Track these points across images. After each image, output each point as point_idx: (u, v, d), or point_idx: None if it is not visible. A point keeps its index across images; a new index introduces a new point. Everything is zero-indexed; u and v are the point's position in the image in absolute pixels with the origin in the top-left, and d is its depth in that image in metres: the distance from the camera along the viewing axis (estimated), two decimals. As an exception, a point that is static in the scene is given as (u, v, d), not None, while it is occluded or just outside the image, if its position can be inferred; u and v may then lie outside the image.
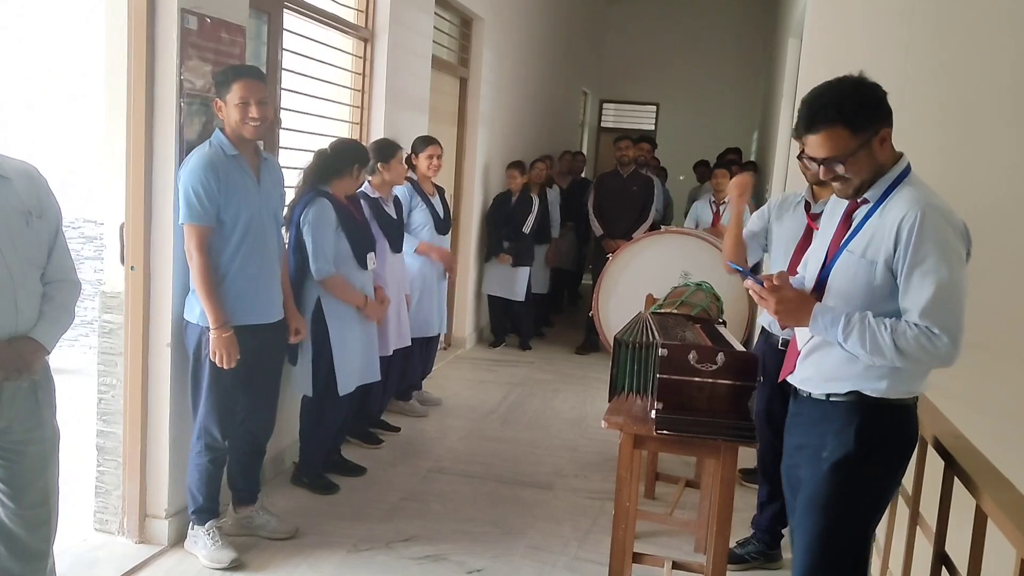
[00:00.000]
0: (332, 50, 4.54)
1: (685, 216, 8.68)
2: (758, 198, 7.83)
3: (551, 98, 9.40)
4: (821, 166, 2.11)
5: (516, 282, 6.80)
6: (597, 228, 7.00)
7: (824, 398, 2.20)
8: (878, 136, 2.07)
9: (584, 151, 11.90)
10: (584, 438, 4.94)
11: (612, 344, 4.44)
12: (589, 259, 8.21)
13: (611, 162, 12.37)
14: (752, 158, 10.76)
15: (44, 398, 2.34)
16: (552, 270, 7.91)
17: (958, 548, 2.24)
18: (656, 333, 2.69)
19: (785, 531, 3.46)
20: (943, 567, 2.28)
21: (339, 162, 3.74)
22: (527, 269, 6.89)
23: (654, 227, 7.20)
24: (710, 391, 2.52)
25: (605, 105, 13.29)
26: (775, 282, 2.16)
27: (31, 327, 2.23)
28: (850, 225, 2.21)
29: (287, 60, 3.98)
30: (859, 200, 2.18)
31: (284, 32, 3.93)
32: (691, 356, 2.53)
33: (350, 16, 4.65)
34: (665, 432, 2.54)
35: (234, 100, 2.99)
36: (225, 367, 3.04)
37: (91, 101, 3.15)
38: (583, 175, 9.22)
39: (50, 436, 2.37)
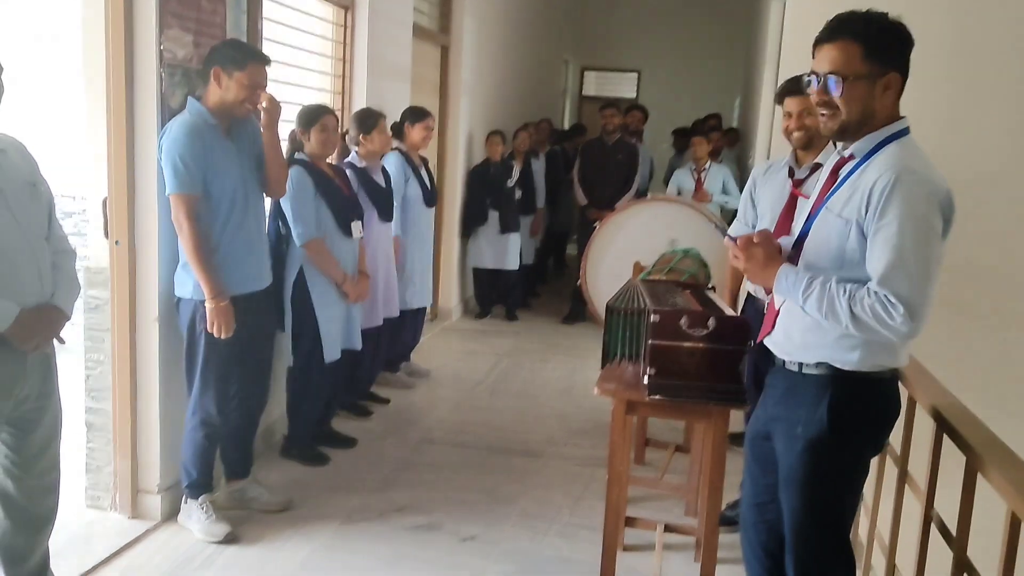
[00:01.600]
0: (312, 19, 4.47)
1: (665, 184, 8.70)
2: (742, 165, 7.84)
3: (533, 66, 9.33)
4: (818, 84, 2.03)
5: (508, 251, 6.77)
6: (581, 197, 6.99)
7: (796, 369, 2.14)
8: (885, 78, 1.99)
9: (567, 119, 11.86)
10: (573, 406, 4.96)
11: (604, 312, 4.48)
12: (576, 227, 8.19)
13: (595, 130, 12.42)
14: (734, 124, 10.75)
15: (54, 366, 2.41)
16: (546, 234, 7.88)
17: (944, 508, 2.28)
18: (647, 299, 2.69)
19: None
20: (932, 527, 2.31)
21: (298, 128, 3.74)
22: (518, 237, 6.87)
23: (639, 195, 7.21)
24: (701, 356, 2.53)
25: (586, 73, 13.20)
26: (754, 240, 2.15)
27: (51, 294, 2.31)
28: (834, 182, 2.14)
29: (267, 29, 3.91)
30: (847, 155, 2.12)
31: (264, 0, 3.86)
32: (683, 321, 2.53)
33: (330, -17, 4.58)
34: (657, 397, 2.55)
35: (244, 81, 2.99)
36: (223, 336, 3.03)
37: (66, 74, 3.09)
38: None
39: (58, 403, 2.44)
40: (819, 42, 2.04)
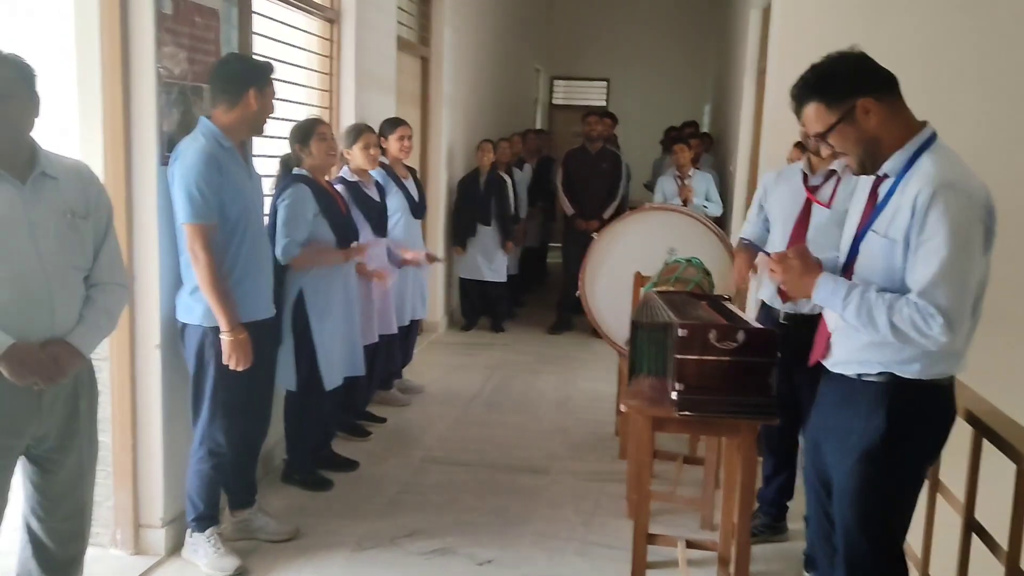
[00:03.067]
0: (300, 33, 4.38)
1: (648, 189, 8.70)
2: (721, 171, 7.86)
3: (507, 76, 9.30)
4: (820, 144, 2.16)
5: (497, 264, 6.72)
6: (568, 207, 6.93)
7: (855, 377, 2.14)
8: (858, 107, 2.03)
9: (539, 128, 11.84)
10: (572, 420, 4.91)
11: (596, 324, 4.43)
12: (560, 238, 8.16)
13: (565, 138, 12.44)
14: (706, 130, 10.80)
15: (85, 407, 2.28)
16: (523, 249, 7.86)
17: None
18: (671, 313, 2.64)
19: (790, 504, 3.49)
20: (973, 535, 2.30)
21: (295, 145, 3.65)
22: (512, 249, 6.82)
23: (621, 204, 7.19)
24: (730, 369, 2.48)
25: (556, 82, 13.21)
26: (789, 254, 2.18)
27: (68, 331, 2.16)
28: (875, 202, 2.16)
29: (257, 44, 3.82)
30: (882, 175, 2.13)
31: (253, 15, 3.76)
32: (711, 335, 2.48)
33: (316, -3, 4.49)
34: (687, 413, 2.50)
35: (272, 95, 2.98)
36: (240, 368, 2.92)
37: (58, 93, 2.97)
38: (546, 153, 9.16)
39: (87, 447, 2.31)
40: (797, 116, 2.16)
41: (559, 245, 8.05)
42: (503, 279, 6.83)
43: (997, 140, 4.11)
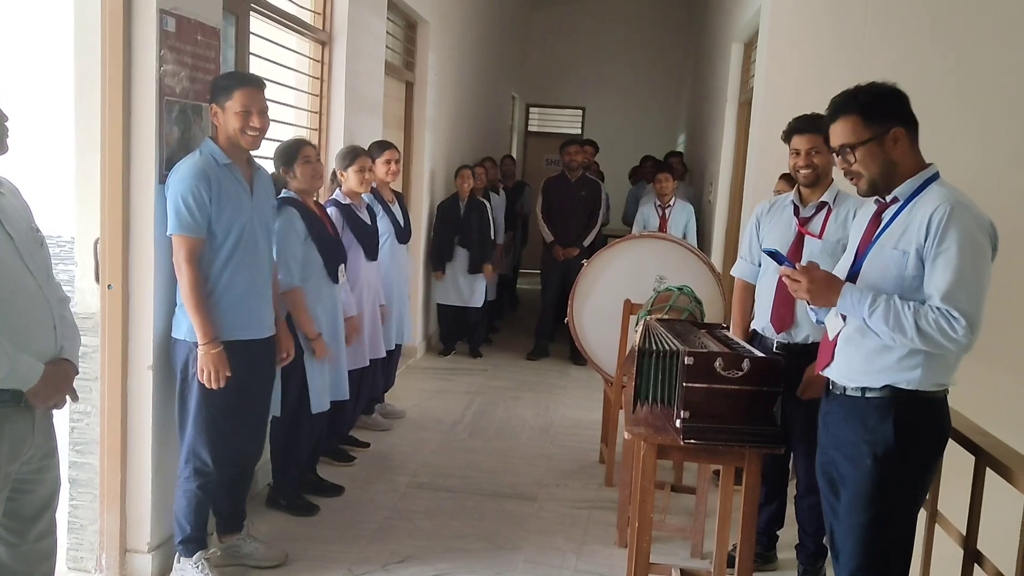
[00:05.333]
0: (293, 53, 4.37)
1: (624, 221, 8.77)
2: (697, 200, 7.96)
3: (485, 102, 9.35)
4: (839, 155, 2.30)
5: (475, 289, 6.71)
6: (547, 234, 6.97)
7: (859, 394, 2.27)
8: (891, 134, 2.22)
9: (513, 155, 11.90)
10: (556, 446, 4.89)
11: (582, 350, 4.44)
12: (531, 264, 8.19)
13: (539, 166, 12.52)
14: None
15: (54, 422, 2.26)
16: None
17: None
18: (675, 341, 2.66)
19: (780, 532, 3.50)
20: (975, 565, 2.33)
21: (280, 167, 3.61)
22: (491, 274, 6.81)
23: (602, 230, 7.25)
24: (736, 398, 2.50)
25: (531, 109, 13.30)
26: (806, 266, 2.31)
27: (60, 349, 2.16)
28: (879, 223, 2.33)
29: (253, 65, 3.81)
30: (888, 200, 2.30)
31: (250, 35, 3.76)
32: (717, 363, 2.50)
33: (308, 18, 4.49)
34: (692, 441, 2.51)
35: (235, 108, 2.85)
36: (213, 386, 2.87)
37: (51, 108, 2.93)
38: (518, 179, 9.23)
39: (58, 463, 2.28)
40: (828, 123, 2.32)
41: (531, 272, 8.09)
42: (480, 304, 6.82)
43: (968, 174, 4.22)
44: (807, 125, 3.14)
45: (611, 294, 4.30)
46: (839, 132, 2.27)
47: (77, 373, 2.23)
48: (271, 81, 3.97)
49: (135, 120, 2.89)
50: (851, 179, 2.34)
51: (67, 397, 2.19)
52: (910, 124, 2.27)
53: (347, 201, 4.19)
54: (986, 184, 4.14)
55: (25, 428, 2.10)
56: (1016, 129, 4.23)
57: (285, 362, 3.34)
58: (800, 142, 3.15)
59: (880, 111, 2.23)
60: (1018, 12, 4.29)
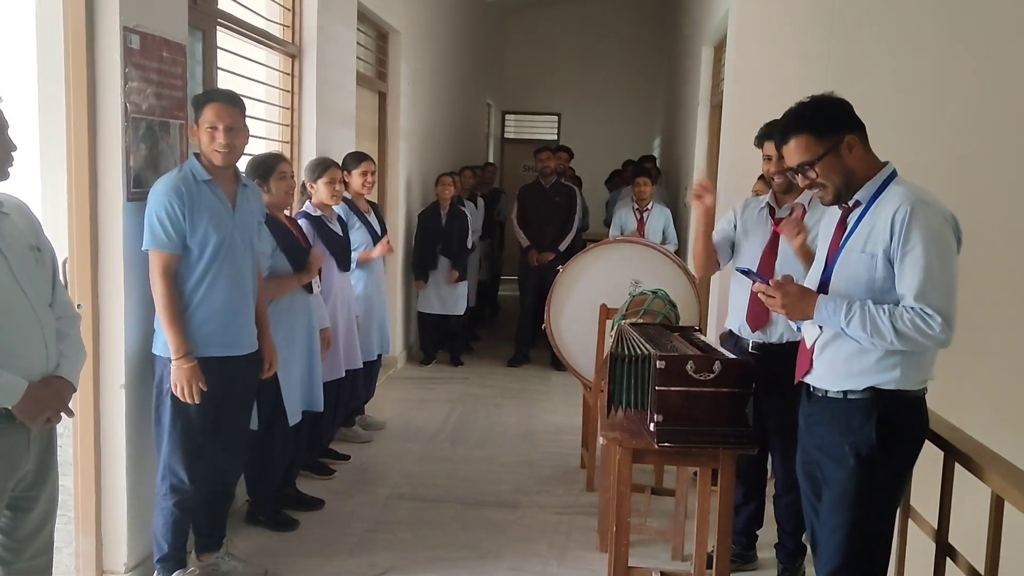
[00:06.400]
0: (262, 67, 4.36)
1: (606, 223, 8.80)
2: (673, 203, 8.00)
3: (460, 111, 9.36)
4: (799, 174, 2.33)
5: (457, 297, 6.71)
6: (523, 239, 6.99)
7: (841, 396, 2.29)
8: (844, 142, 2.26)
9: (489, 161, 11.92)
10: (538, 452, 4.90)
11: (560, 355, 4.45)
12: (511, 270, 8.20)
13: (516, 172, 12.53)
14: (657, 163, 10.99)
15: (54, 440, 2.28)
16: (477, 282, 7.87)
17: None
18: (647, 345, 2.67)
19: (760, 532, 3.52)
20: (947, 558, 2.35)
21: (254, 181, 3.58)
22: (466, 282, 6.81)
23: (577, 236, 7.27)
24: (708, 400, 2.52)
25: (507, 116, 13.32)
26: (779, 281, 2.33)
27: (56, 366, 2.19)
28: (845, 228, 2.35)
29: (221, 79, 3.79)
30: (851, 204, 2.33)
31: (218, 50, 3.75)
32: (689, 366, 2.52)
33: (277, 32, 4.48)
34: (667, 444, 2.52)
35: (204, 124, 2.87)
36: (188, 401, 2.86)
37: (15, 129, 2.91)
38: (495, 186, 9.25)
39: (56, 480, 2.29)
40: (779, 146, 2.37)
41: (511, 278, 8.11)
42: (462, 312, 6.83)
43: (931, 171, 4.26)
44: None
45: (587, 299, 4.31)
46: (794, 152, 2.30)
47: (74, 390, 2.26)
48: (243, 96, 3.98)
49: (101, 138, 2.87)
50: (815, 192, 2.38)
51: (62, 414, 2.20)
52: (859, 129, 2.31)
53: (317, 213, 4.18)
54: (948, 182, 4.19)
55: (20, 444, 2.13)
56: (979, 126, 4.28)
57: (269, 374, 3.32)
58: (772, 147, 3.17)
59: (829, 124, 2.27)
60: (977, 8, 4.34)
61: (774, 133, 3.13)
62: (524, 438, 5.16)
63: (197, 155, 2.96)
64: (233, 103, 2.96)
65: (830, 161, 2.26)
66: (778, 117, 3.01)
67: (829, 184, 2.29)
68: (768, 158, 3.19)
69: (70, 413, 2.23)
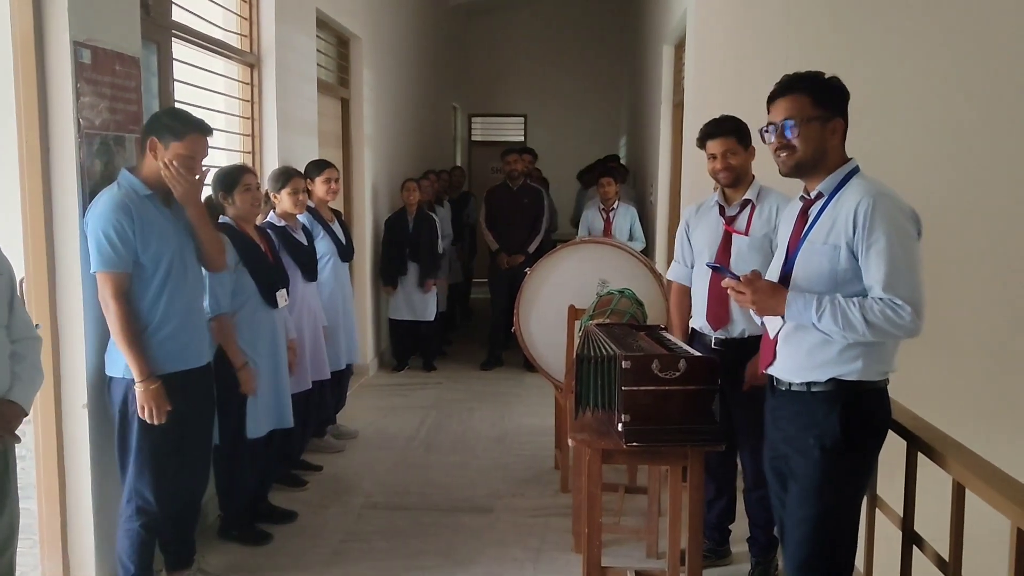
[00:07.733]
0: (220, 78, 4.32)
1: (572, 223, 8.82)
2: (642, 203, 8.03)
3: (426, 114, 9.34)
4: (775, 133, 2.32)
5: (428, 303, 6.69)
6: (492, 242, 6.99)
7: (805, 388, 2.31)
8: (832, 122, 2.29)
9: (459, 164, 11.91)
10: (511, 455, 4.89)
11: (533, 357, 4.45)
12: (482, 273, 8.20)
13: (484, 175, 12.53)
14: (622, 162, 11.03)
15: (12, 465, 2.23)
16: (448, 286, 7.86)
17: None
18: (613, 345, 2.68)
19: (732, 527, 3.54)
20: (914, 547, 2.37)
21: (219, 192, 3.56)
22: (434, 288, 6.79)
23: (546, 237, 7.28)
24: (675, 398, 2.53)
25: (474, 119, 13.32)
26: (749, 276, 2.32)
27: (7, 389, 2.16)
28: (807, 220, 2.37)
29: (178, 91, 3.75)
30: (813, 196, 2.35)
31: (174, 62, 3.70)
32: (654, 365, 2.53)
33: (235, 41, 4.44)
34: (635, 444, 2.53)
35: (182, 151, 2.81)
36: (155, 422, 2.82)
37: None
38: (464, 189, 9.23)
39: (15, 506, 2.25)
40: (773, 98, 2.35)
41: (483, 281, 8.11)
42: (432, 318, 6.81)
43: (893, 168, 4.32)
44: (718, 129, 3.19)
45: (556, 300, 4.31)
46: (786, 106, 2.29)
47: (25, 415, 2.22)
48: (199, 107, 3.94)
49: (54, 155, 2.83)
50: (780, 155, 2.32)
51: (8, 438, 2.16)
52: (846, 122, 2.34)
53: (282, 223, 4.15)
54: (911, 179, 4.25)
55: None
56: (942, 124, 4.34)
57: (246, 389, 3.28)
58: (715, 146, 3.20)
59: (830, 98, 2.30)
60: (938, 7, 4.40)
61: (715, 132, 3.20)
62: (498, 441, 5.16)
63: (131, 169, 2.89)
64: (210, 134, 2.95)
65: (814, 128, 2.27)
66: (728, 115, 3.08)
67: (800, 150, 2.27)
68: (712, 156, 3.22)
69: (16, 439, 2.18)
